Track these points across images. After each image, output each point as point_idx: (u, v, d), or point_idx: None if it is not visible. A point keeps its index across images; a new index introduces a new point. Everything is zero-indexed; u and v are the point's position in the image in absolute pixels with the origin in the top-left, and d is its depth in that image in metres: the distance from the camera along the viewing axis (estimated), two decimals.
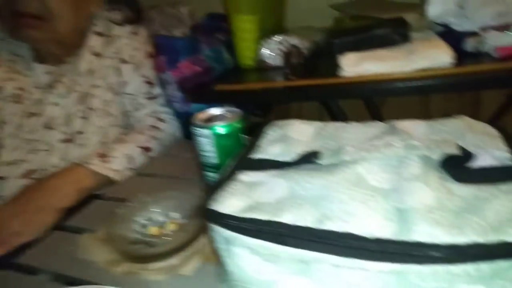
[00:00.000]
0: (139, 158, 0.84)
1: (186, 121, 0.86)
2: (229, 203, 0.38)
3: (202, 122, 0.55)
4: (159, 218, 0.55)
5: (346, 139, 0.48)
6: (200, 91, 0.91)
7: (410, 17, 0.92)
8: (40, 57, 0.90)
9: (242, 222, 0.35)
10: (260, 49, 1.03)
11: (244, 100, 0.90)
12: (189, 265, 0.45)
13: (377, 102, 1.28)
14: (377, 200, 0.36)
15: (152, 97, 0.96)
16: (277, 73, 0.98)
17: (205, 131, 0.54)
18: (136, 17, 0.97)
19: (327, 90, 0.80)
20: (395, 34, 0.84)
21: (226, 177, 0.44)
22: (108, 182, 0.77)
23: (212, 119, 0.56)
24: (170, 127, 0.95)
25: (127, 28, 0.95)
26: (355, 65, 0.78)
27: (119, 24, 0.95)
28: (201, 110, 0.58)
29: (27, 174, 0.84)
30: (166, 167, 0.80)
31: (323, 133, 0.51)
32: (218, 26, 1.15)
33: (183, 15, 1.20)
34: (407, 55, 0.76)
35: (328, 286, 0.35)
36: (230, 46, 1.10)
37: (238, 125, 0.54)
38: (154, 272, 0.46)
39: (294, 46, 0.92)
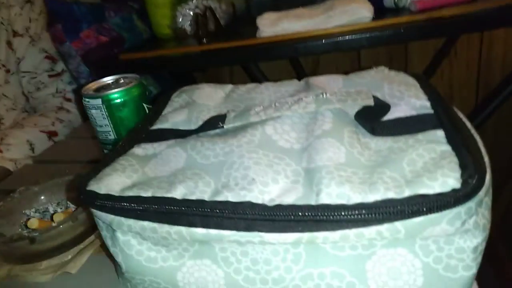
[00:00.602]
0: (43, 145, 0.74)
1: None
2: (112, 181, 0.32)
3: (93, 92, 0.47)
4: (51, 208, 0.47)
5: (258, 100, 0.43)
6: (106, 63, 0.81)
7: None
8: None
9: (122, 202, 0.29)
10: (176, 16, 0.94)
11: (157, 69, 0.81)
12: (79, 260, 0.38)
13: (308, 66, 1.26)
14: (284, 162, 0.31)
15: (55, 75, 0.86)
16: (196, 40, 0.90)
17: (96, 101, 0.46)
18: None
19: (244, 53, 0.74)
20: None
21: (115, 152, 0.37)
22: (4, 173, 0.67)
23: (105, 87, 0.48)
24: (79, 107, 0.85)
25: None
26: (273, 25, 0.73)
27: None
28: None
29: None
30: (70, 151, 0.70)
31: (233, 95, 0.46)
32: None
33: None
34: (326, 12, 0.72)
35: (235, 267, 0.30)
36: (145, 15, 1.00)
37: (136, 92, 0.47)
38: (38, 272, 0.38)
39: (209, 8, 0.85)
